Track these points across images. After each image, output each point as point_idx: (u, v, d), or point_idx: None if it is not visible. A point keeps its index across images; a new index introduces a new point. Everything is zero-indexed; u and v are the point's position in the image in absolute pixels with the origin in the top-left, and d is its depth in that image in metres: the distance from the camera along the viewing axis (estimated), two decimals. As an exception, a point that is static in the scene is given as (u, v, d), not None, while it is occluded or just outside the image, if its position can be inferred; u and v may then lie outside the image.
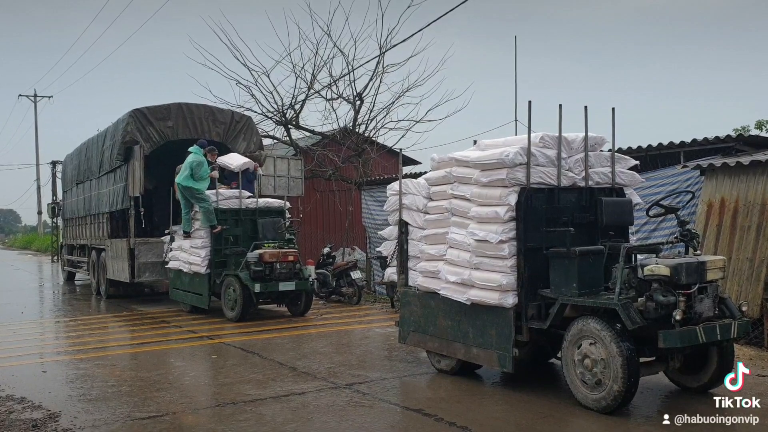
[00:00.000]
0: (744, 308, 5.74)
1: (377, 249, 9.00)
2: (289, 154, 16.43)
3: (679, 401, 5.85)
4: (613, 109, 6.50)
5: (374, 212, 14.31)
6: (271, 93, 16.43)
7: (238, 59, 16.34)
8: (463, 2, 11.50)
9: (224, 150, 13.05)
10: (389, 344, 8.76)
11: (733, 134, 9.48)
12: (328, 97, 16.58)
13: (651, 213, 6.23)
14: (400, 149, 9.23)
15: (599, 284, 5.81)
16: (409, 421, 5.59)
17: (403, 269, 7.33)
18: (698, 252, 5.71)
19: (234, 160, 12.26)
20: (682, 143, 9.10)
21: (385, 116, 16.60)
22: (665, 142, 9.33)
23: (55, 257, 29.08)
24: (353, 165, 16.76)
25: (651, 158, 9.32)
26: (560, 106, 6.16)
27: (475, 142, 6.79)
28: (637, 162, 6.96)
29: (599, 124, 6.78)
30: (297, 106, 16.62)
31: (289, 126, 16.93)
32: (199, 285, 11.72)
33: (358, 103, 16.37)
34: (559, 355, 5.97)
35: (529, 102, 6.25)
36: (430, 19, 16.57)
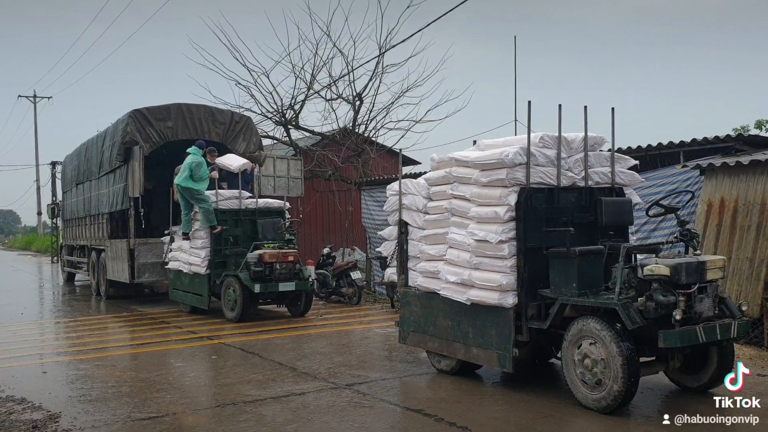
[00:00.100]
0: (744, 308, 5.74)
1: (377, 249, 9.01)
2: (288, 154, 16.40)
3: (679, 401, 5.85)
4: (613, 109, 6.51)
5: (374, 212, 14.29)
6: (271, 93, 16.48)
7: (237, 59, 16.38)
8: (463, 2, 11.50)
9: (224, 150, 13.07)
10: (389, 344, 8.76)
11: (732, 134, 9.47)
12: (328, 97, 16.61)
13: (651, 213, 6.23)
14: (400, 149, 9.24)
15: (599, 284, 5.81)
16: (409, 421, 5.59)
17: (403, 269, 7.33)
18: (698, 252, 5.71)
19: (232, 161, 12.27)
20: (682, 143, 9.10)
21: (384, 116, 16.63)
22: (665, 142, 9.33)
23: (55, 258, 29.05)
24: (353, 165, 16.74)
25: (651, 158, 9.32)
26: (560, 106, 6.16)
27: (474, 142, 6.79)
28: (637, 162, 6.96)
29: (599, 124, 6.77)
30: (296, 107, 16.65)
31: (289, 126, 16.92)
32: (199, 285, 11.72)
33: (357, 103, 16.37)
34: (559, 355, 5.98)
35: (529, 102, 6.26)
36: (429, 19, 16.55)
